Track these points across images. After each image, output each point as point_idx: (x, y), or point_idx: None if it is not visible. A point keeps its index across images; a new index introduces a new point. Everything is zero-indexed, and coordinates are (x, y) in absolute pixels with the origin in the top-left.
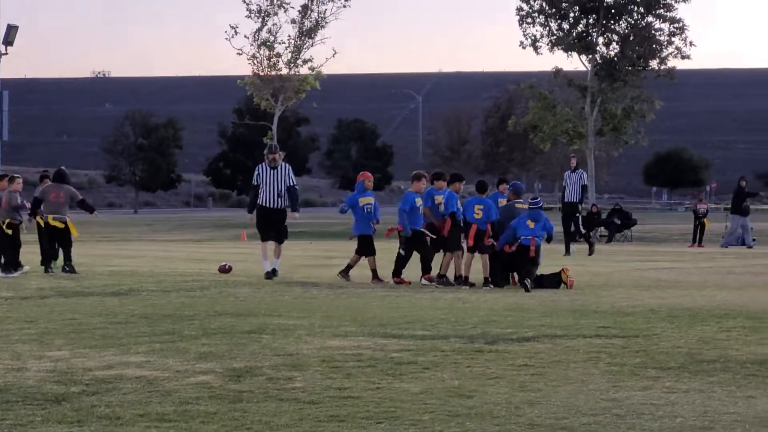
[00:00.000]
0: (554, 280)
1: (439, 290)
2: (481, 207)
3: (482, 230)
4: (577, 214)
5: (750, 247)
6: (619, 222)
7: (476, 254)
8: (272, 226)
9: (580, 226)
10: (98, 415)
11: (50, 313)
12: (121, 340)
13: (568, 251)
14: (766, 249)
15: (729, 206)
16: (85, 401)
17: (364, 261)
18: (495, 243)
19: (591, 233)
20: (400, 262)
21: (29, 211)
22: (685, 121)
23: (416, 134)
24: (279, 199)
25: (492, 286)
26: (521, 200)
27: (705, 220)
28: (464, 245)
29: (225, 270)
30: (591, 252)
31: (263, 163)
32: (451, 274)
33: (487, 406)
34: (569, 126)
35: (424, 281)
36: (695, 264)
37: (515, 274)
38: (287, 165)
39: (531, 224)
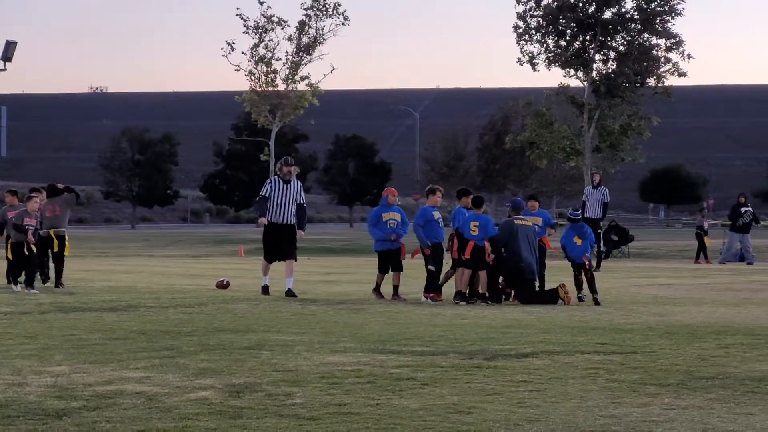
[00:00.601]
0: (552, 297)
1: (437, 307)
2: (477, 224)
3: (480, 247)
4: (599, 231)
5: (750, 264)
6: (616, 238)
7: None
8: (280, 244)
9: (601, 244)
10: (99, 431)
11: (50, 328)
12: (121, 356)
13: (597, 266)
14: (765, 266)
15: (728, 223)
16: (85, 416)
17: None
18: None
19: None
20: (432, 278)
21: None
22: (681, 138)
23: (413, 150)
24: (290, 215)
25: (490, 302)
26: (521, 216)
27: (706, 238)
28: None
29: (223, 286)
30: (597, 268)
31: (275, 177)
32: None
33: (486, 422)
34: (567, 143)
35: (424, 299)
36: (693, 280)
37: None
38: (299, 182)
39: (579, 241)
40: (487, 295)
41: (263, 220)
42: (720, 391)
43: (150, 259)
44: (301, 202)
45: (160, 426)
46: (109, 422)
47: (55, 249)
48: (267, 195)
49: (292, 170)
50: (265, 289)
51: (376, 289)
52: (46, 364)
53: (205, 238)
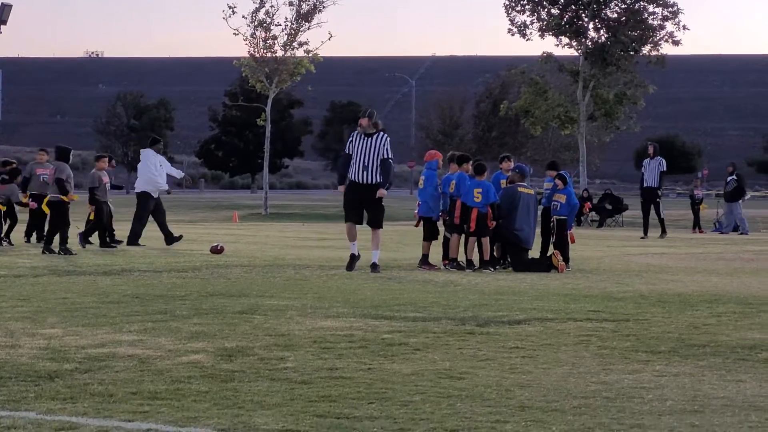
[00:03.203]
0: (545, 264)
1: (430, 274)
2: (480, 191)
3: (483, 213)
4: (657, 199)
5: (745, 234)
6: (610, 207)
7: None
8: (362, 206)
9: (660, 211)
10: (91, 393)
11: (43, 291)
12: (114, 319)
13: (662, 232)
14: (758, 236)
15: (722, 193)
16: (78, 378)
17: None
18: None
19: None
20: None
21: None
22: (677, 108)
23: (409, 118)
24: (373, 173)
25: (492, 269)
26: (524, 184)
27: (701, 206)
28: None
29: (217, 251)
30: (662, 236)
31: (356, 131)
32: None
33: (477, 388)
34: (561, 111)
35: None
36: (686, 250)
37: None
38: (386, 135)
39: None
40: (490, 262)
41: (342, 189)
42: (711, 359)
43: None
44: (387, 156)
45: (152, 388)
46: (101, 384)
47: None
48: (348, 151)
49: (372, 123)
50: (353, 260)
51: (423, 261)
52: (39, 327)
53: (200, 203)
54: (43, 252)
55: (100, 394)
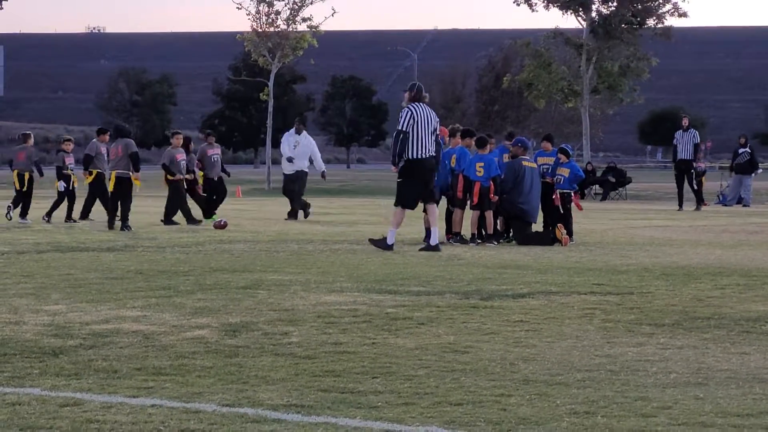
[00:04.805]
0: (549, 238)
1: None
2: (482, 164)
3: (485, 187)
4: (692, 171)
5: (746, 206)
6: (613, 180)
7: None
8: (428, 184)
9: (693, 183)
10: (95, 368)
11: (47, 268)
12: (118, 295)
13: (697, 205)
14: (762, 208)
15: (726, 165)
16: (82, 354)
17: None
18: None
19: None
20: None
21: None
22: (680, 80)
23: None
24: (433, 146)
25: (496, 243)
26: (528, 157)
27: (703, 178)
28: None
29: (220, 226)
30: (698, 208)
31: (414, 105)
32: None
33: (482, 361)
34: (564, 84)
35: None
36: (690, 222)
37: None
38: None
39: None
40: (493, 235)
41: (396, 169)
42: (715, 331)
43: (147, 199)
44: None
45: (156, 364)
46: (105, 360)
47: (110, 189)
48: (406, 128)
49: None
50: (391, 247)
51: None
52: (43, 303)
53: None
54: (122, 229)
55: (105, 370)
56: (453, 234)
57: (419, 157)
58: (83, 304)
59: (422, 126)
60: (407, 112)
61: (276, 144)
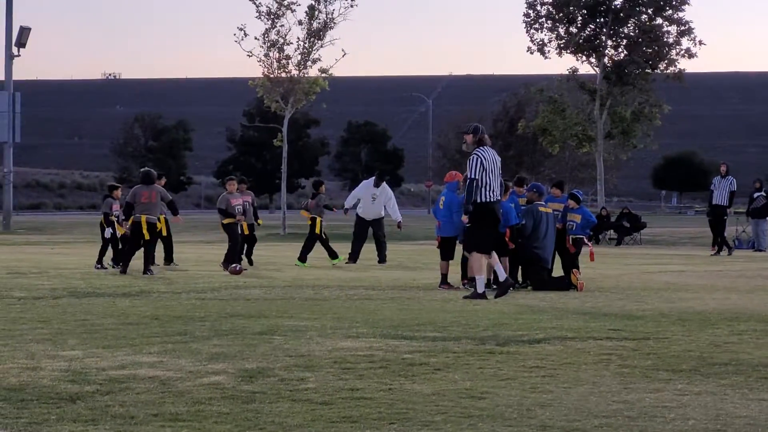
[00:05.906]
0: (564, 283)
1: (449, 293)
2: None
3: (501, 234)
4: (725, 217)
5: (761, 250)
6: (628, 225)
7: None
8: (497, 227)
9: (725, 230)
10: (112, 414)
11: (63, 313)
12: (134, 341)
13: (718, 251)
14: None
15: (740, 210)
16: (99, 400)
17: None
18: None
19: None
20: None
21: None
22: (695, 125)
23: (426, 137)
24: (499, 188)
25: (511, 289)
26: (543, 203)
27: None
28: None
29: (236, 272)
30: (729, 253)
31: (481, 150)
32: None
33: (498, 407)
34: (578, 129)
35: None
36: (705, 267)
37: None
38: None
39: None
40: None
41: (465, 219)
42: (733, 377)
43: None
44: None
45: (173, 410)
46: (122, 406)
47: (146, 236)
48: (477, 176)
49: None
50: (485, 295)
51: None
52: (59, 349)
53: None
54: (145, 272)
55: (122, 416)
56: (468, 279)
57: (489, 200)
58: (99, 349)
59: (490, 170)
60: (476, 158)
61: (291, 189)
